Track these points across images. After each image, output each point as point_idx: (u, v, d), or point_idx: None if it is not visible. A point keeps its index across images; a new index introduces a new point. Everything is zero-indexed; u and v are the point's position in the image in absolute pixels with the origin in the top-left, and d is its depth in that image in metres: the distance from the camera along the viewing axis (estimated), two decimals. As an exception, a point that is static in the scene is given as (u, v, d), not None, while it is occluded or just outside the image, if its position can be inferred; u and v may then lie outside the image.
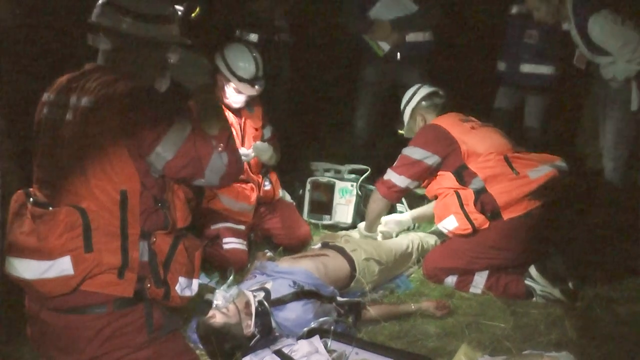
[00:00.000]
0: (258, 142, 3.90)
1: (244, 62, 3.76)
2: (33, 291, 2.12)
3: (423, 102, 3.83)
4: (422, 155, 3.53)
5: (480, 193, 3.39)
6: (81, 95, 2.12)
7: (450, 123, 3.61)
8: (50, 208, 2.09)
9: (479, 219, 3.42)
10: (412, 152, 3.57)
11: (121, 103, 2.06)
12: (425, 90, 3.87)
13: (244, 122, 3.92)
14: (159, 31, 2.20)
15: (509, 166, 3.40)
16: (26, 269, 2.06)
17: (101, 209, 2.05)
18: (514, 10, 4.60)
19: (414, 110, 3.85)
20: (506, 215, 3.36)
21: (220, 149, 2.17)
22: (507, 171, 3.39)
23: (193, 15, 2.21)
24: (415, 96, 3.87)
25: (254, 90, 3.80)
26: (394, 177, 3.61)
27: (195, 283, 2.30)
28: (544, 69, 4.57)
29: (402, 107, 3.94)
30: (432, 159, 3.52)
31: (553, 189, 3.40)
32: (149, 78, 2.24)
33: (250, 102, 3.90)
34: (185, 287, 2.25)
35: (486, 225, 3.41)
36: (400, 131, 3.99)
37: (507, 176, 3.38)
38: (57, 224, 2.02)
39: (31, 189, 2.22)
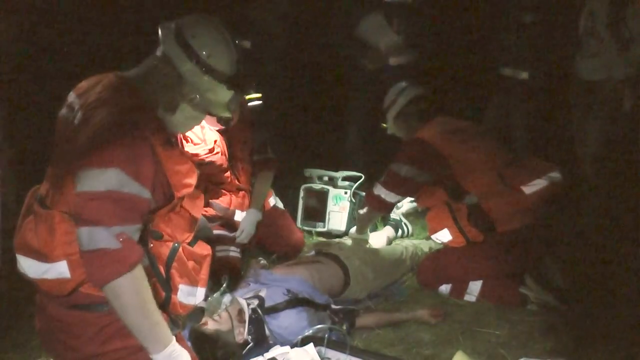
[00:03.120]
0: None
1: None
2: (39, 287, 2.17)
3: (407, 107, 3.70)
4: (411, 173, 3.43)
5: (474, 208, 3.37)
6: (84, 102, 2.11)
7: (439, 138, 3.45)
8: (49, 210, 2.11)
9: (472, 232, 3.41)
10: (400, 169, 3.46)
11: (94, 121, 2.02)
12: (410, 94, 3.71)
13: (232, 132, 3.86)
14: (205, 85, 2.17)
15: (503, 183, 3.37)
16: (30, 267, 2.11)
17: None
18: None
19: (397, 114, 3.72)
20: (501, 229, 3.34)
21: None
22: (501, 188, 3.35)
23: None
24: (399, 100, 3.71)
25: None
26: (384, 192, 3.53)
27: (201, 291, 2.29)
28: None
29: (384, 106, 3.79)
30: (421, 177, 3.44)
31: (548, 202, 3.38)
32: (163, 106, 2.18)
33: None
34: (189, 295, 2.25)
35: (480, 239, 3.40)
36: (384, 125, 3.85)
37: (502, 192, 3.34)
38: (54, 229, 2.05)
39: (41, 186, 2.23)
